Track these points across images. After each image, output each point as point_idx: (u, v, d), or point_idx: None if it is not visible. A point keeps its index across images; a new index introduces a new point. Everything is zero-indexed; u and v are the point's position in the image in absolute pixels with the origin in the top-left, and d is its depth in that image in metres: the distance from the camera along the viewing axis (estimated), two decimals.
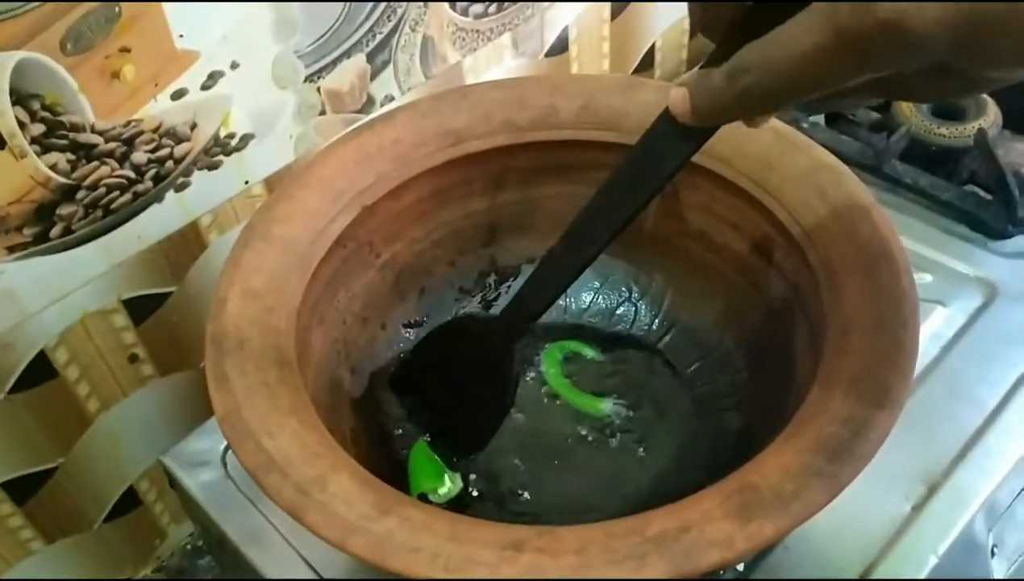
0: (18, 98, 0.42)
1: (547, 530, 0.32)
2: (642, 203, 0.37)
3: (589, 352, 0.49)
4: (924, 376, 0.50)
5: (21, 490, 0.52)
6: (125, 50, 0.44)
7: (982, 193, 0.60)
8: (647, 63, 0.78)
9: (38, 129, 0.43)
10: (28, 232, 0.45)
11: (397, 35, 0.56)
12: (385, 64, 0.57)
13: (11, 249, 0.45)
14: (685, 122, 0.32)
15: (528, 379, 0.49)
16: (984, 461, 0.46)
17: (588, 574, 0.30)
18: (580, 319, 0.51)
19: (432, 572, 0.30)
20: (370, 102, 0.57)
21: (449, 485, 0.44)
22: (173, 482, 0.50)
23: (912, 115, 0.63)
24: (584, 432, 0.46)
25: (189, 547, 0.63)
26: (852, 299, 0.37)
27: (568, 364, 0.49)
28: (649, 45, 0.78)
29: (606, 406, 0.47)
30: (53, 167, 0.44)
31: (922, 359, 0.51)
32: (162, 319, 0.54)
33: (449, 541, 0.31)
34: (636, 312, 0.50)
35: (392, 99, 0.58)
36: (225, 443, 0.51)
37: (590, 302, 0.51)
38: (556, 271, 0.41)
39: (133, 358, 0.54)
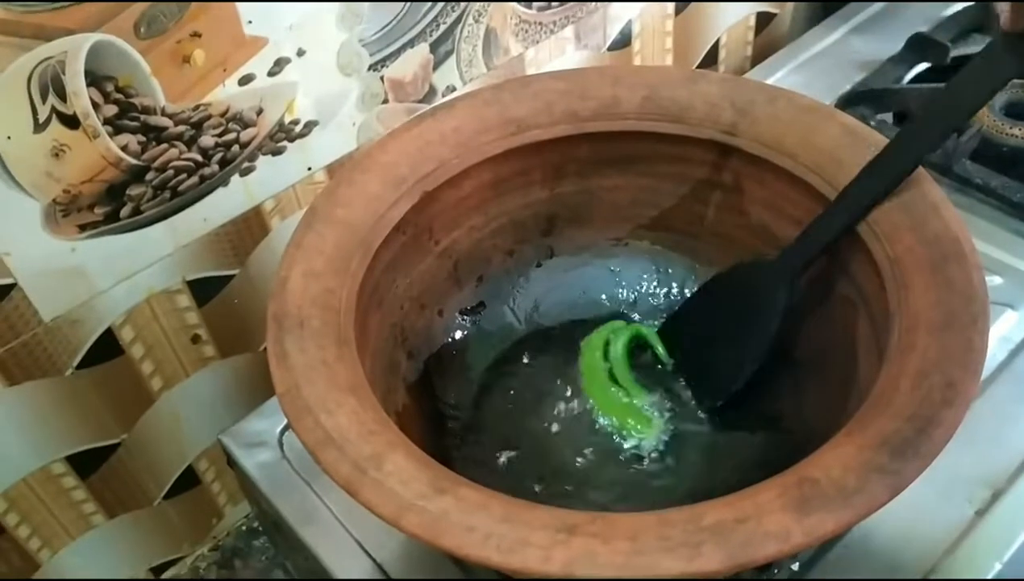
0: (93, 79, 0.43)
1: (601, 516, 0.31)
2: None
3: (656, 347, 0.49)
4: (992, 380, 0.49)
5: (85, 464, 0.54)
6: (196, 35, 0.45)
7: None
8: (711, 60, 0.78)
9: (111, 110, 0.44)
10: (99, 211, 0.46)
11: (460, 26, 0.57)
12: (448, 54, 0.57)
13: (82, 227, 0.46)
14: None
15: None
16: None
17: (641, 560, 0.29)
18: (636, 310, 0.51)
19: (485, 552, 0.30)
20: (432, 92, 0.58)
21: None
22: (231, 461, 0.51)
23: (983, 115, 0.61)
24: (635, 435, 0.46)
25: (244, 528, 0.64)
26: (920, 296, 0.37)
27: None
28: (713, 41, 0.77)
29: (655, 412, 0.47)
30: (124, 148, 0.45)
31: (990, 362, 0.50)
32: (224, 301, 0.55)
33: (503, 522, 0.31)
34: None
35: (453, 89, 0.59)
36: (282, 424, 0.51)
37: (647, 293, 0.51)
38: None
39: (195, 339, 0.55)
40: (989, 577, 0.42)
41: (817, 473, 0.31)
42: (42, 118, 0.42)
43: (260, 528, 0.63)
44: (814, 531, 0.30)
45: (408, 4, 0.53)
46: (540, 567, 0.30)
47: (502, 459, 0.45)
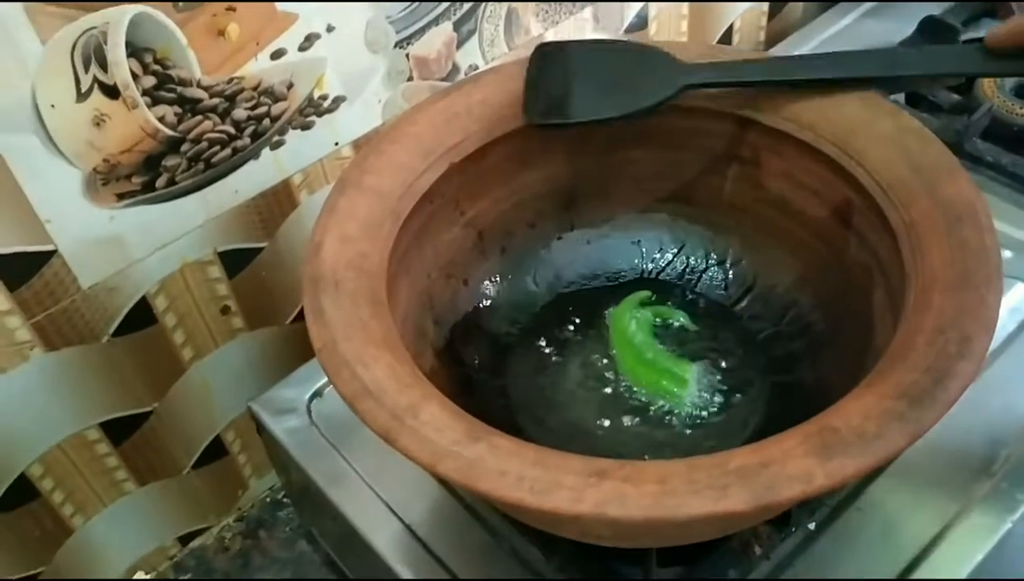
0: (133, 51, 0.44)
1: (629, 463, 0.33)
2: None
3: (681, 318, 0.50)
4: (1002, 350, 0.50)
5: (118, 431, 0.55)
6: (231, 9, 0.47)
7: None
8: (725, 43, 0.79)
9: (149, 81, 0.45)
10: (136, 181, 0.48)
11: (483, 5, 0.58)
12: (471, 33, 0.59)
13: (120, 196, 0.48)
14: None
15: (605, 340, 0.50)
16: None
17: (670, 501, 0.31)
18: (656, 280, 0.52)
19: (519, 494, 0.31)
20: (455, 70, 0.59)
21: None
22: (260, 429, 0.53)
23: (993, 95, 0.63)
24: (665, 399, 0.47)
25: (269, 500, 0.65)
26: (935, 257, 0.38)
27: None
28: (727, 26, 0.78)
29: (691, 372, 0.48)
30: (161, 119, 0.47)
31: (1000, 333, 0.51)
32: (253, 274, 0.56)
33: (535, 466, 0.32)
34: (713, 276, 0.51)
35: (476, 68, 0.60)
36: (310, 392, 0.53)
37: (667, 265, 0.52)
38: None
39: (225, 310, 0.56)
40: (998, 536, 0.43)
41: (838, 422, 0.33)
42: (84, 87, 0.43)
43: (285, 499, 0.64)
44: (836, 474, 0.31)
45: None
46: (572, 507, 0.31)
47: (530, 423, 0.47)
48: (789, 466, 0.31)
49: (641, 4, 0.69)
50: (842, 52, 0.49)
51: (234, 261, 0.55)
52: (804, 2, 0.83)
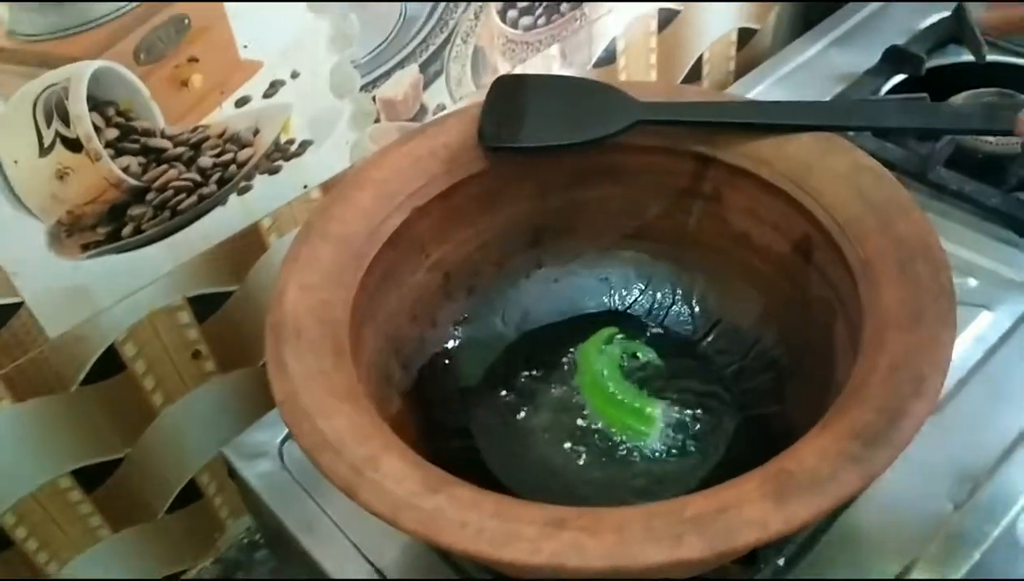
0: (95, 104, 0.44)
1: (588, 511, 0.33)
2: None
3: (648, 354, 0.50)
4: (968, 379, 0.51)
5: (91, 478, 0.55)
6: (193, 60, 0.47)
7: None
8: (695, 75, 0.80)
9: (112, 133, 0.46)
10: (101, 231, 0.48)
11: (449, 46, 0.59)
12: (437, 74, 0.59)
13: (85, 247, 0.48)
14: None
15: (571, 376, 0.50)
16: None
17: (626, 550, 0.31)
18: (624, 316, 0.52)
19: (478, 546, 0.32)
20: (423, 111, 0.60)
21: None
22: (233, 473, 0.53)
23: None
24: (632, 436, 0.47)
25: (246, 541, 0.65)
26: (889, 295, 0.38)
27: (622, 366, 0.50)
28: (697, 57, 0.79)
29: (658, 410, 0.48)
30: (125, 169, 0.47)
31: (966, 362, 0.51)
32: (224, 317, 0.56)
33: (494, 517, 0.32)
34: (680, 311, 0.52)
35: (444, 108, 0.61)
36: (282, 436, 0.53)
37: (635, 302, 0.52)
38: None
39: (196, 354, 0.56)
40: (965, 569, 0.43)
41: (793, 464, 0.33)
42: (47, 142, 0.44)
43: (261, 541, 0.64)
44: (791, 518, 0.31)
45: (399, 25, 0.55)
46: (530, 559, 0.31)
47: (497, 464, 0.47)
48: (745, 511, 0.32)
49: (609, 38, 0.70)
50: (794, 102, 0.50)
51: (204, 306, 0.55)
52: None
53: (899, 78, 0.70)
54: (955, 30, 0.73)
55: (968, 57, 0.71)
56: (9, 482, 0.52)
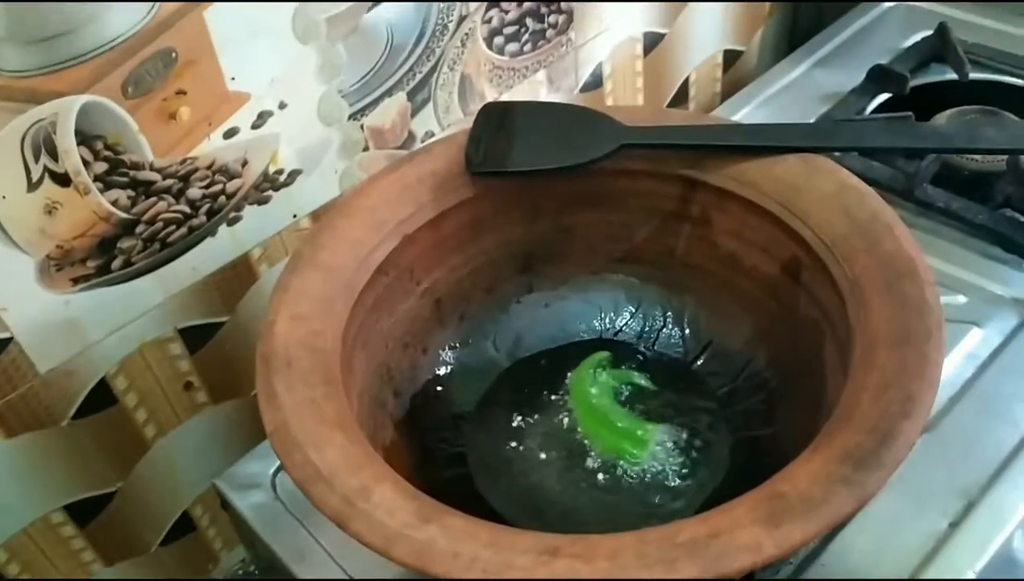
0: (83, 138, 0.45)
1: (581, 538, 0.33)
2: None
3: (640, 378, 0.50)
4: (960, 396, 0.51)
5: (83, 513, 0.55)
6: (181, 93, 0.47)
7: (1019, 216, 0.60)
8: (681, 97, 0.80)
9: (101, 167, 0.46)
10: (91, 264, 0.48)
11: (436, 74, 0.59)
12: (425, 102, 0.59)
13: (75, 281, 0.48)
14: None
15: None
16: (1022, 478, 0.46)
17: (620, 576, 0.31)
18: (615, 339, 0.52)
19: (472, 576, 0.31)
20: (411, 138, 0.60)
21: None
22: (225, 504, 0.52)
23: None
24: (626, 461, 0.47)
25: (240, 572, 0.64)
26: (878, 314, 0.38)
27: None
28: (683, 79, 0.79)
29: (651, 434, 0.48)
30: (114, 203, 0.47)
31: (958, 379, 0.51)
32: (215, 348, 0.56)
33: (487, 547, 0.32)
34: (670, 334, 0.52)
35: (432, 135, 0.61)
36: (275, 466, 0.52)
37: (625, 325, 0.53)
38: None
39: (188, 385, 0.56)
40: None
41: (786, 487, 0.33)
42: (35, 177, 0.44)
43: (256, 571, 0.63)
44: (783, 542, 0.31)
45: (386, 54, 0.55)
46: None
47: (491, 491, 0.47)
48: (738, 536, 0.32)
49: (596, 63, 0.70)
50: (780, 124, 0.51)
51: (195, 337, 0.55)
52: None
53: (884, 97, 0.71)
54: (938, 49, 0.73)
55: (952, 75, 0.71)
56: (1, 518, 0.52)
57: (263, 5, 0.48)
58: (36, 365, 0.48)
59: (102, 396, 0.52)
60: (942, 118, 0.65)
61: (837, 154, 0.63)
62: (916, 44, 0.75)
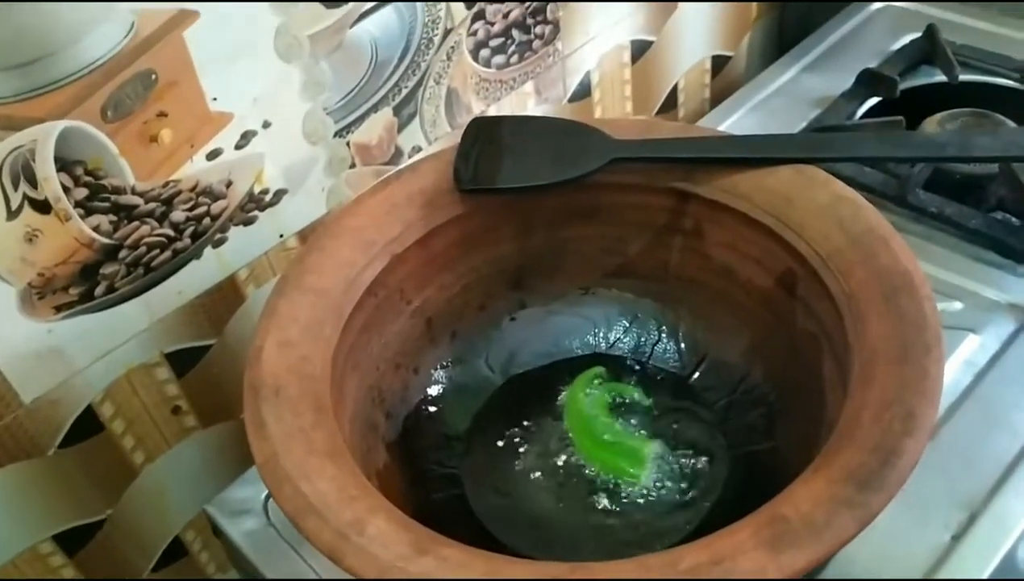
0: (63, 165, 0.44)
1: (581, 566, 0.32)
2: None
3: (636, 394, 0.49)
4: (959, 404, 0.50)
5: (72, 542, 0.54)
6: (162, 115, 0.46)
7: (1013, 219, 0.59)
8: (670, 104, 0.80)
9: (81, 193, 0.45)
10: (74, 291, 0.47)
11: (422, 88, 0.58)
12: (411, 117, 0.59)
13: (58, 308, 0.47)
14: None
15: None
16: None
17: None
18: (609, 354, 0.52)
19: None
20: (398, 153, 0.59)
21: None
22: (217, 531, 0.51)
23: None
24: (624, 479, 0.46)
25: None
26: (875, 329, 0.38)
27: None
28: (671, 86, 0.79)
29: (648, 451, 0.47)
30: (96, 228, 0.46)
31: (956, 387, 0.51)
32: (203, 371, 0.55)
33: (484, 577, 0.31)
34: (665, 348, 0.51)
35: (419, 150, 0.60)
36: (267, 491, 0.52)
37: (619, 340, 0.52)
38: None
39: (176, 410, 0.55)
40: None
41: (788, 510, 0.32)
42: (14, 205, 0.43)
43: None
44: (787, 567, 0.31)
45: (370, 70, 0.55)
46: None
47: (486, 512, 0.46)
48: (740, 562, 0.31)
49: (583, 72, 0.70)
50: (771, 135, 0.50)
51: (183, 360, 0.54)
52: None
53: (873, 100, 0.70)
54: (927, 51, 0.73)
55: (941, 77, 0.71)
56: None
57: (245, 24, 0.47)
58: (20, 395, 0.47)
59: (89, 424, 0.51)
60: (932, 121, 0.64)
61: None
62: (905, 47, 0.75)
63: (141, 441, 0.54)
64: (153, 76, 0.45)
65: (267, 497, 0.51)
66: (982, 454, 0.48)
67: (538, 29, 0.63)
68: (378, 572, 0.32)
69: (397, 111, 0.57)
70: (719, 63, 0.83)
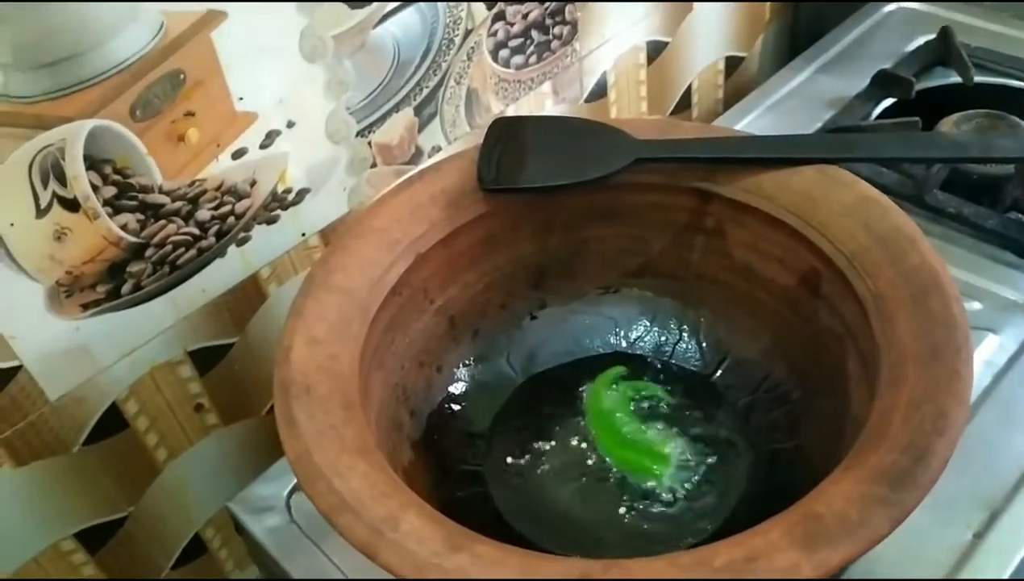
0: (91, 163, 0.44)
1: (615, 563, 0.32)
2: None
3: (659, 392, 0.50)
4: (979, 404, 0.50)
5: (94, 539, 0.54)
6: (189, 114, 0.47)
7: None
8: (684, 104, 0.80)
9: (110, 191, 0.45)
10: (101, 289, 0.47)
11: (443, 88, 0.59)
12: (432, 116, 0.59)
13: (85, 306, 0.47)
14: None
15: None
16: None
17: None
18: (630, 354, 0.52)
19: None
20: (418, 153, 0.59)
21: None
22: (239, 528, 0.52)
23: None
24: (647, 477, 0.46)
25: None
26: (904, 329, 0.38)
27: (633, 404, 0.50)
28: (686, 86, 0.79)
29: (671, 449, 0.47)
30: (124, 227, 0.46)
31: (976, 387, 0.51)
32: (225, 369, 0.56)
33: (520, 576, 0.32)
34: (687, 347, 0.51)
35: (439, 149, 0.60)
36: (289, 488, 0.52)
37: (641, 339, 0.52)
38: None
39: (199, 407, 0.56)
40: None
41: (821, 508, 0.33)
42: (44, 203, 0.43)
43: None
44: (822, 565, 0.31)
45: (392, 70, 0.55)
46: None
47: (510, 511, 0.46)
48: (775, 560, 0.31)
49: (600, 72, 0.70)
50: (794, 136, 0.50)
51: (205, 358, 0.54)
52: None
53: (888, 101, 0.70)
54: (942, 52, 0.73)
55: (956, 79, 0.71)
56: (10, 548, 0.51)
57: (271, 25, 0.47)
58: (46, 392, 0.48)
59: (113, 421, 0.51)
60: (948, 122, 0.65)
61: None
62: (919, 48, 0.75)
63: (164, 438, 0.55)
64: (181, 76, 0.45)
65: (289, 494, 0.52)
66: (1003, 454, 0.48)
67: (557, 30, 0.64)
68: (414, 568, 0.32)
69: (418, 111, 0.58)
70: (732, 64, 0.83)
